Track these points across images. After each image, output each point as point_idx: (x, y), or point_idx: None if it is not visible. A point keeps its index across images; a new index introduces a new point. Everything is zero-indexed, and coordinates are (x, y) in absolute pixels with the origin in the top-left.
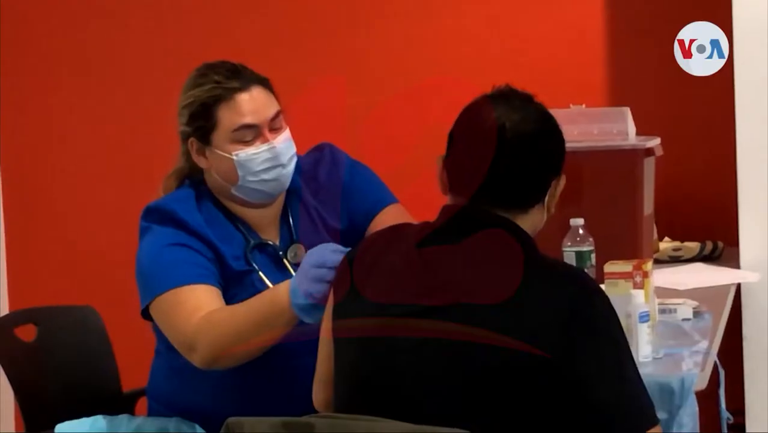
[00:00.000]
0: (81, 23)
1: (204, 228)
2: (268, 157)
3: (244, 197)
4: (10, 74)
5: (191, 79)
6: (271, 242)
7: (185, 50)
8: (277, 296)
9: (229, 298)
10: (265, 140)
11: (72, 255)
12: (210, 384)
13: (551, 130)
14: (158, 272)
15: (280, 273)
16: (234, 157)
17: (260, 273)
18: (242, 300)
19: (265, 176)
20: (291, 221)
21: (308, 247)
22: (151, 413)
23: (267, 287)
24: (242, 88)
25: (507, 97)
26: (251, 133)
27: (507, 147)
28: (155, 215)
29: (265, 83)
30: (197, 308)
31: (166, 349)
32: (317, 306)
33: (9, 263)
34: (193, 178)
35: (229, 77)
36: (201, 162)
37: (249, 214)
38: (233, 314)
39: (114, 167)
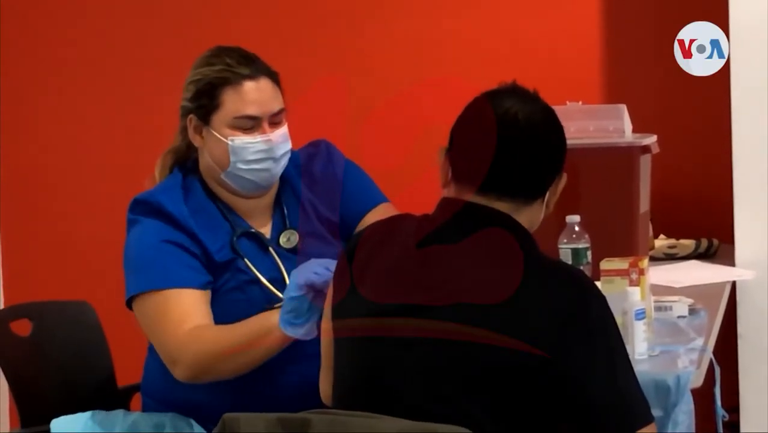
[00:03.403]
0: (80, 23)
1: (189, 220)
2: (263, 149)
3: (231, 184)
4: (9, 71)
5: (203, 57)
6: (254, 230)
7: (185, 49)
8: (266, 318)
9: (220, 285)
10: (263, 132)
11: (67, 250)
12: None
13: (558, 125)
14: (147, 268)
15: (267, 260)
16: (229, 142)
17: (245, 260)
18: (233, 286)
19: (256, 166)
20: (285, 209)
21: (300, 234)
22: (146, 409)
23: (253, 272)
24: (251, 76)
25: (514, 91)
26: (251, 123)
27: (518, 136)
28: (142, 207)
29: (274, 77)
30: (182, 318)
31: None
32: (303, 317)
33: (4, 257)
34: (185, 164)
35: (240, 63)
36: (196, 140)
37: (239, 202)
38: (220, 334)
39: (110, 163)
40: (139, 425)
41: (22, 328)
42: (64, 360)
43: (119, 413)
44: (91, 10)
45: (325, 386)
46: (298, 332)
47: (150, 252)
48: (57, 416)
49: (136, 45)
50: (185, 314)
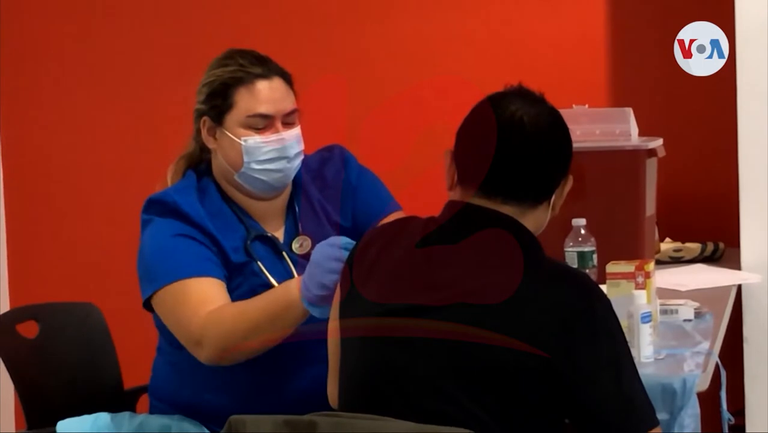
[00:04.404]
0: (81, 23)
1: (205, 220)
2: (276, 148)
3: (245, 185)
4: (11, 72)
5: (217, 60)
6: (270, 234)
7: (186, 49)
8: (287, 291)
9: (233, 288)
10: (276, 131)
11: (74, 252)
12: (212, 381)
13: (564, 128)
14: (163, 263)
15: (280, 265)
16: (242, 143)
17: (259, 263)
18: (246, 291)
19: (270, 166)
20: (297, 213)
21: (313, 239)
22: (153, 411)
23: (266, 277)
24: (264, 76)
25: (520, 94)
26: (264, 122)
27: (523, 139)
28: (157, 207)
29: (287, 78)
30: (203, 301)
31: (168, 345)
32: (326, 300)
33: (11, 259)
34: (198, 167)
35: (253, 63)
36: (209, 142)
37: (253, 205)
38: (242, 310)
39: (115, 164)
40: (146, 427)
41: (29, 330)
42: (70, 362)
43: (126, 415)
44: (91, 11)
45: (333, 390)
46: (324, 314)
47: (166, 248)
48: (63, 417)
49: (139, 45)
50: (205, 298)
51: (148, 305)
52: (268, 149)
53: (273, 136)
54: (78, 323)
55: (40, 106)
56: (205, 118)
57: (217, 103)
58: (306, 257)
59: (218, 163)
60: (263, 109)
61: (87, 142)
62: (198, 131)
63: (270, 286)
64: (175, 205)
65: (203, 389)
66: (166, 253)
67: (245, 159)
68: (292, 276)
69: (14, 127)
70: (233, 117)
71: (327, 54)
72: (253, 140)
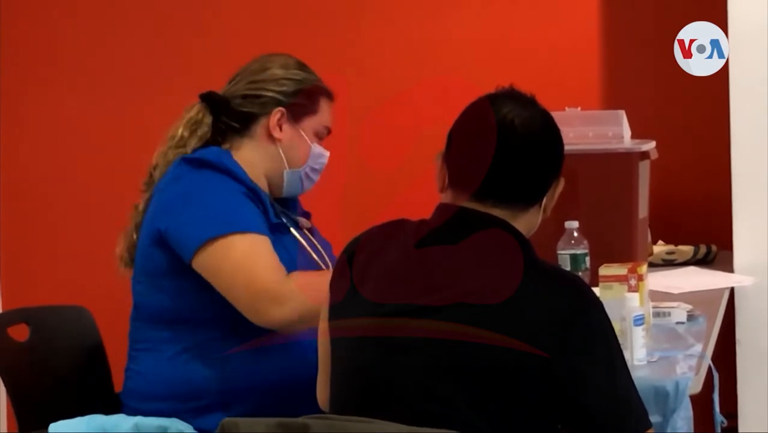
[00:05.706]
0: (78, 26)
1: (249, 180)
2: (324, 162)
3: (284, 182)
4: (8, 74)
5: (290, 62)
6: (284, 219)
7: (184, 50)
8: None
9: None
10: (324, 147)
11: (65, 255)
12: (218, 367)
13: (555, 130)
14: (233, 211)
15: (301, 233)
16: (312, 146)
17: (291, 228)
18: (277, 246)
19: (314, 176)
20: (289, 201)
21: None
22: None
23: (296, 237)
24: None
25: (512, 96)
26: (324, 135)
27: (515, 142)
28: (197, 164)
29: None
30: (277, 263)
31: (167, 337)
32: None
33: (2, 262)
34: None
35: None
36: (275, 132)
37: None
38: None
39: (109, 167)
40: (141, 427)
41: (20, 333)
42: (61, 365)
43: (120, 416)
44: (89, 14)
45: (323, 392)
46: None
47: (230, 198)
48: (54, 420)
49: (136, 47)
50: (276, 260)
51: (194, 250)
52: (323, 160)
53: (327, 151)
54: (69, 327)
55: (34, 109)
56: (283, 109)
57: (305, 102)
58: (311, 230)
59: (267, 152)
60: (330, 125)
61: (80, 145)
62: (252, 116)
63: (298, 244)
64: (223, 165)
65: (193, 376)
66: (233, 203)
67: (308, 162)
68: (315, 247)
69: (7, 130)
70: (312, 122)
71: (327, 54)
72: (318, 147)
